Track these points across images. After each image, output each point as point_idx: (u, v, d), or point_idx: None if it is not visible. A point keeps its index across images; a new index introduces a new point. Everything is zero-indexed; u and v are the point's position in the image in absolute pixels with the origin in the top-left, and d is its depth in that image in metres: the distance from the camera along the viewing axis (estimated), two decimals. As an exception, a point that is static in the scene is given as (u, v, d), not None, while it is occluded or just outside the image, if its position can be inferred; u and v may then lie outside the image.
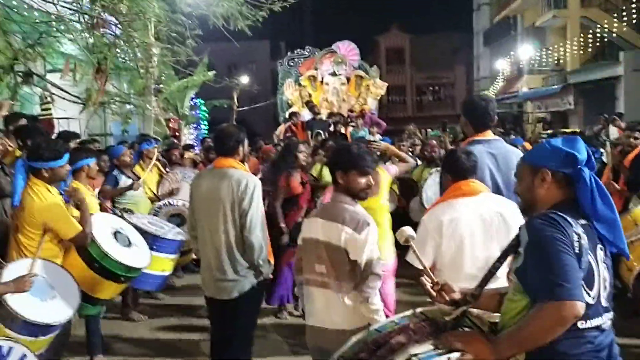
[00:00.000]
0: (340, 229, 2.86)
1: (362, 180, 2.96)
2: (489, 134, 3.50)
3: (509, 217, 3.01)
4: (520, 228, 2.01)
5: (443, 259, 3.03)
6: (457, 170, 3.08)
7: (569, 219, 1.89)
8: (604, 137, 8.07)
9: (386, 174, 4.70)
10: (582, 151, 1.99)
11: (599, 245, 1.96)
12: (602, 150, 7.47)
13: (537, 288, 1.85)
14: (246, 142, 3.81)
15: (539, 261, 1.85)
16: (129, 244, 4.05)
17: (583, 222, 1.93)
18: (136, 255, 4.03)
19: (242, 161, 3.78)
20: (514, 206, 3.08)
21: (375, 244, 2.91)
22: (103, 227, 3.93)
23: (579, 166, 1.97)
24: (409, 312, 2.13)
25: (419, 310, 2.14)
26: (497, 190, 3.26)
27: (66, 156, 3.68)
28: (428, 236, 3.04)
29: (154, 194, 6.27)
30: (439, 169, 6.56)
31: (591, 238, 1.92)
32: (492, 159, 3.33)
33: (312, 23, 43.13)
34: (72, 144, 5.79)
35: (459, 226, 2.99)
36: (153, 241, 4.44)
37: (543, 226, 1.88)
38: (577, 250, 1.85)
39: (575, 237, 1.86)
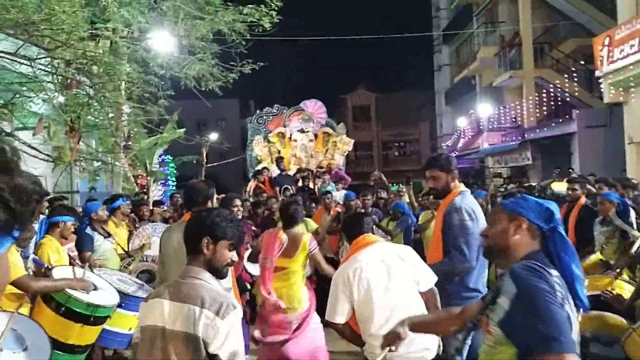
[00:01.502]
0: (199, 313, 2.20)
1: (231, 254, 2.40)
2: (463, 186, 3.91)
3: (405, 257, 3.39)
4: (503, 278, 2.03)
5: (358, 307, 3.30)
6: (348, 233, 3.56)
7: (547, 269, 1.96)
8: (551, 192, 8.45)
9: (308, 243, 4.73)
10: (557, 211, 2.13)
11: (569, 295, 2.03)
12: None
13: (529, 340, 1.87)
14: (215, 197, 3.99)
15: (530, 313, 1.88)
16: (95, 289, 4.13)
17: (556, 272, 2.00)
18: (102, 296, 4.11)
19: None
20: (409, 248, 3.55)
21: (240, 333, 2.30)
22: (66, 276, 4.05)
23: (553, 224, 2.09)
24: None
25: None
26: None
27: None
28: (339, 292, 3.32)
29: (124, 250, 6.30)
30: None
31: (564, 288, 2.00)
32: (478, 208, 3.76)
33: (281, 82, 44.20)
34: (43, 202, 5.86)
35: (363, 272, 3.27)
36: (122, 299, 4.46)
37: (530, 277, 1.92)
38: (560, 301, 1.90)
39: (557, 287, 1.92)
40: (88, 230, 5.76)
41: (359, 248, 3.40)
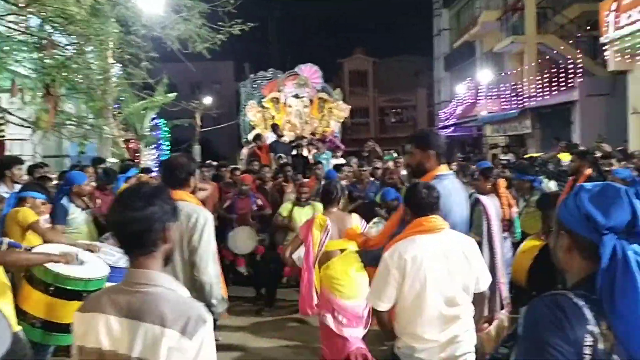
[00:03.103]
0: (159, 334, 1.66)
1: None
2: (447, 169, 3.44)
3: (469, 254, 2.97)
4: (521, 312, 1.48)
5: (405, 298, 2.91)
6: (418, 206, 2.99)
7: (586, 310, 1.36)
8: (554, 165, 7.95)
9: (357, 223, 4.75)
10: (609, 212, 1.41)
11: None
12: (543, 179, 7.48)
13: None
14: (197, 172, 3.65)
15: None
16: (82, 263, 3.91)
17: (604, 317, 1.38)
18: (91, 269, 3.89)
19: (193, 193, 3.60)
20: (473, 242, 3.06)
21: (213, 349, 1.73)
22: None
23: (602, 232, 1.40)
24: None
25: None
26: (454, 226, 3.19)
27: None
28: (390, 276, 2.91)
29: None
30: (379, 219, 6.66)
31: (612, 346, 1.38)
32: (457, 194, 3.33)
33: (277, 45, 43.30)
34: (16, 170, 5.51)
35: (422, 264, 2.87)
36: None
37: (539, 320, 1.37)
38: None
39: (588, 341, 1.33)
40: (64, 200, 5.39)
41: (422, 231, 2.92)
